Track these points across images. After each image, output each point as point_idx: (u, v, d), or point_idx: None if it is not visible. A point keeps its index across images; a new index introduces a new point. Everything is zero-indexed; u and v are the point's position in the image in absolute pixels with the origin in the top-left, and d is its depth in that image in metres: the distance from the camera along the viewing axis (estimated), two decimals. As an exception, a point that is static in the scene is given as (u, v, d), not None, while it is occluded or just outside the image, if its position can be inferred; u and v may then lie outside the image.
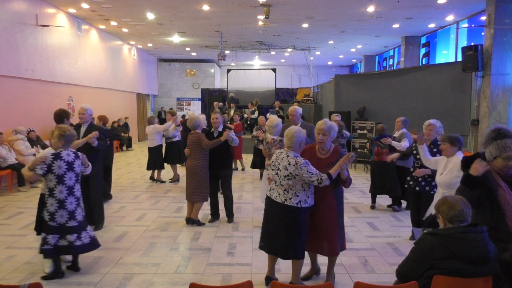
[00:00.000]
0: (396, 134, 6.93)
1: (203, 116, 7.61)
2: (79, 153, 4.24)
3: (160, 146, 9.14)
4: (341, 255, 4.76)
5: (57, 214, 4.00)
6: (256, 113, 16.04)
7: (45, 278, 4.06)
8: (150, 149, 9.16)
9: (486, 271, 2.52)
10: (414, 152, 5.12)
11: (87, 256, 4.73)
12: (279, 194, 3.76)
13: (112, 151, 7.91)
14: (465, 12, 11.61)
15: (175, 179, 9.37)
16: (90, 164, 4.36)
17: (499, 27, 9.31)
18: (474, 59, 9.40)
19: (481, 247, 2.51)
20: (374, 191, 7.10)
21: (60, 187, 4.00)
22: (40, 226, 4.50)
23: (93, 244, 4.27)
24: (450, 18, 12.30)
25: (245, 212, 6.69)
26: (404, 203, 7.06)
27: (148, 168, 9.25)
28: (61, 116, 5.93)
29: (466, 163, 3.07)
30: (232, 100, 17.35)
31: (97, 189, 5.62)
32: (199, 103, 22.87)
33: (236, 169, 10.70)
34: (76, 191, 4.14)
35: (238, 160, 10.76)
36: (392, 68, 18.53)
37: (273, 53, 19.94)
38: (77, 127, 5.73)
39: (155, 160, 9.11)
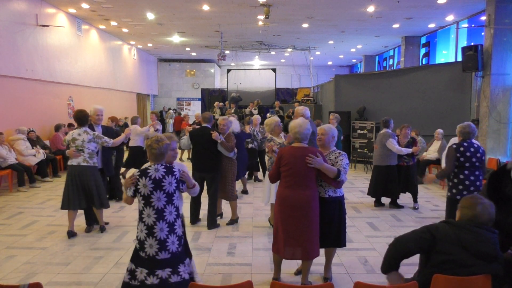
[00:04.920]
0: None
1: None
2: (175, 168, 3.27)
3: (140, 147, 8.55)
4: (341, 255, 4.79)
5: (146, 243, 3.15)
6: (256, 112, 16.04)
7: None
8: (130, 148, 8.81)
9: (486, 269, 2.53)
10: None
11: (87, 256, 4.74)
12: None
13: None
14: (465, 12, 11.61)
15: None
16: (196, 184, 3.45)
17: (499, 27, 9.31)
18: (474, 59, 9.40)
19: (490, 244, 2.55)
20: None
21: (147, 210, 3.20)
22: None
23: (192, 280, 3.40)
24: (450, 18, 12.30)
25: (245, 212, 6.68)
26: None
27: (125, 166, 8.59)
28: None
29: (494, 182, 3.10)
30: (232, 99, 17.34)
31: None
32: (199, 103, 22.88)
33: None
34: (167, 215, 3.21)
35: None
36: (392, 68, 18.53)
37: (273, 53, 19.94)
38: (90, 128, 5.74)
39: (134, 160, 8.60)
